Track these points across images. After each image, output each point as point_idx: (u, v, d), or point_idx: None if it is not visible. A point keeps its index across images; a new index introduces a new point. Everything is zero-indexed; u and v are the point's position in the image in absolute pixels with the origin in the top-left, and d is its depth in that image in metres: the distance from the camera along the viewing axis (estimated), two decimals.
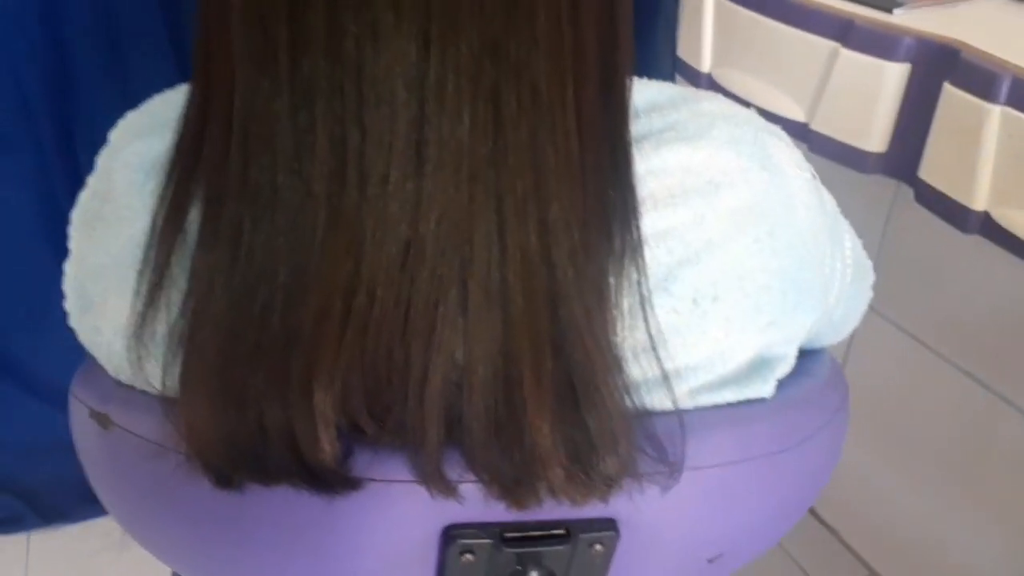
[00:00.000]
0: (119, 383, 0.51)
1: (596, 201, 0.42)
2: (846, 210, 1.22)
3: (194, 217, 0.43)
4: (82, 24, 1.13)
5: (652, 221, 0.44)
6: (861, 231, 1.19)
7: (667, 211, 0.44)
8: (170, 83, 1.13)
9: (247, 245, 0.41)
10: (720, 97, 0.51)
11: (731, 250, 0.45)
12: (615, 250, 0.42)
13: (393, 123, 0.38)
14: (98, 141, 1.18)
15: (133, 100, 1.14)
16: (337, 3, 0.37)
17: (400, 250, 0.39)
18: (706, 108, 0.49)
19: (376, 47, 0.37)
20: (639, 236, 0.43)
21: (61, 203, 1.24)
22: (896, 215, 1.15)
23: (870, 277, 0.64)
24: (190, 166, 0.44)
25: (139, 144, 0.48)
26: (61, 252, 1.32)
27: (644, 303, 0.43)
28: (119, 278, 0.47)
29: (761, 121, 0.51)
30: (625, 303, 0.43)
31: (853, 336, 1.23)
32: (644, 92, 0.49)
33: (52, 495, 1.43)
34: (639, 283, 0.43)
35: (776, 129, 0.52)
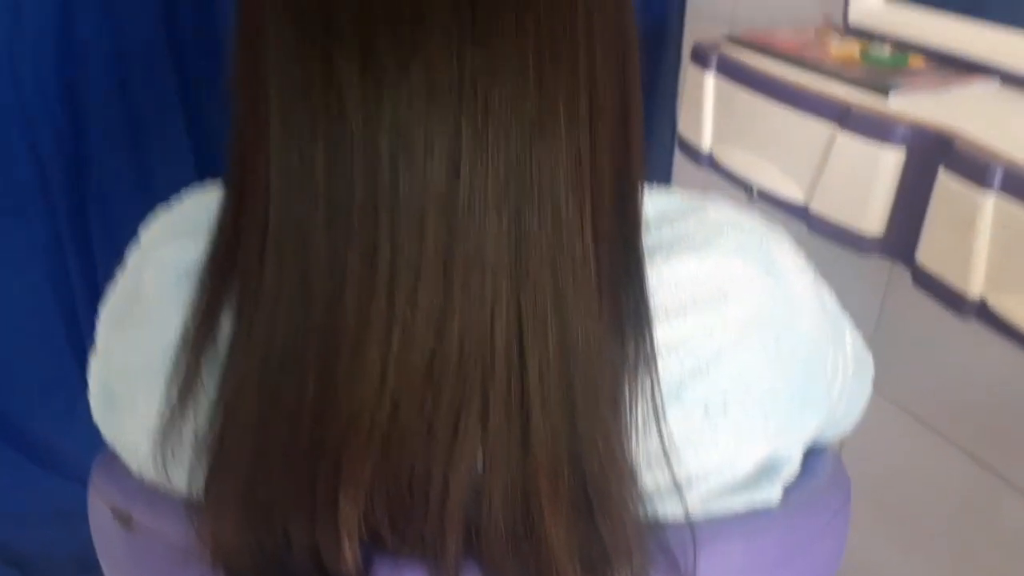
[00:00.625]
0: (142, 481, 0.52)
1: (612, 314, 0.43)
2: (845, 288, 1.24)
3: (225, 325, 0.45)
4: (101, 101, 1.16)
5: (664, 332, 0.45)
6: (859, 309, 1.20)
7: (678, 321, 0.46)
8: (184, 167, 1.16)
9: (278, 356, 0.42)
10: (725, 204, 0.53)
11: (739, 359, 0.47)
12: (630, 361, 0.44)
13: (422, 242, 0.40)
14: (110, 216, 1.21)
15: (146, 178, 1.16)
16: (373, 126, 0.39)
17: (425, 363, 0.41)
18: (712, 217, 0.50)
19: (410, 170, 0.39)
20: (653, 347, 0.44)
21: (71, 276, 1.26)
22: (894, 293, 1.17)
23: (870, 371, 0.65)
24: (223, 274, 0.46)
25: (171, 247, 0.50)
26: (65, 322, 1.33)
27: (657, 413, 0.44)
28: (147, 381, 0.48)
29: (766, 227, 0.53)
30: (639, 413, 0.44)
31: None
32: (654, 202, 0.50)
33: (46, 564, 1.42)
34: (653, 394, 0.44)
35: (779, 233, 0.54)
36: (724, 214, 0.51)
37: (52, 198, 1.20)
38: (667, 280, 0.46)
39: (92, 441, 0.55)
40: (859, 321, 1.21)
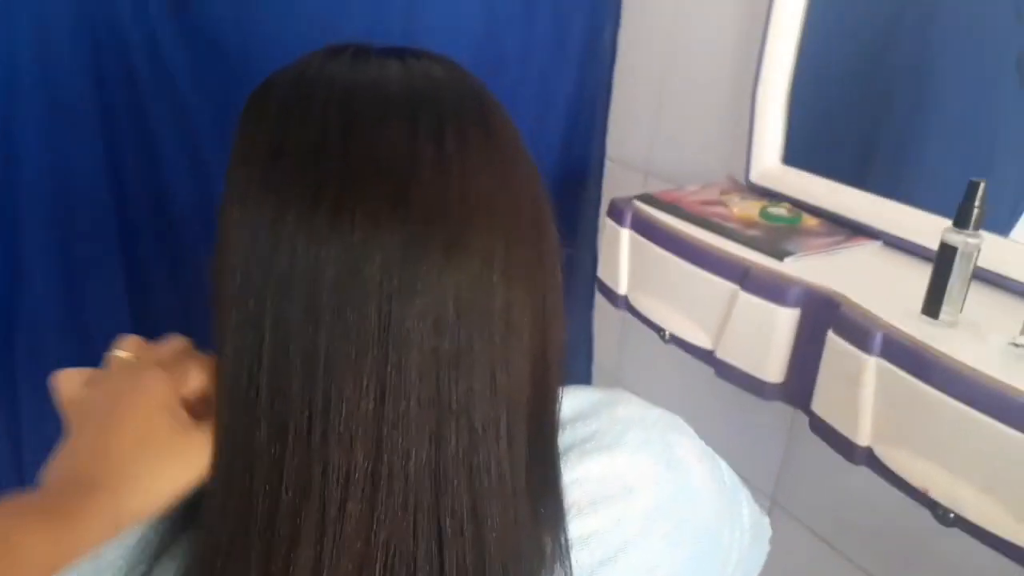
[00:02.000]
0: None
1: (528, 516, 0.49)
2: (754, 422, 1.32)
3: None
4: (36, 218, 1.19)
5: (576, 526, 0.52)
6: (768, 439, 1.28)
7: (590, 517, 0.52)
8: (115, 299, 1.16)
9: (225, 550, 0.47)
10: (633, 399, 0.60)
11: (643, 548, 0.53)
12: (546, 557, 0.50)
13: (351, 458, 0.45)
14: (38, 351, 1.19)
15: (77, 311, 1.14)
16: (310, 375, 0.45)
17: (355, 566, 0.46)
18: (620, 414, 0.57)
19: (341, 400, 0.45)
20: (567, 542, 0.50)
21: None
22: (800, 426, 1.26)
23: (767, 533, 0.72)
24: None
25: None
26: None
27: None
28: None
29: (667, 419, 0.60)
30: None
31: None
32: (568, 402, 0.57)
33: None
34: None
35: (679, 424, 0.61)
36: (631, 411, 0.58)
37: None
38: (580, 479, 0.53)
39: None
40: (769, 449, 1.29)
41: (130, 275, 1.27)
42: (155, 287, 1.31)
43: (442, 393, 0.46)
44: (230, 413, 0.47)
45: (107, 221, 1.24)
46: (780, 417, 1.27)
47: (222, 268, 0.47)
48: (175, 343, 0.60)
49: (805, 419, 1.03)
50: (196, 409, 0.56)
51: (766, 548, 0.73)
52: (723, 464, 0.64)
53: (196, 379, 0.56)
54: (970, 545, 1.02)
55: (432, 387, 0.46)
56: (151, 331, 0.64)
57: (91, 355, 1.22)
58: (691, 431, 0.61)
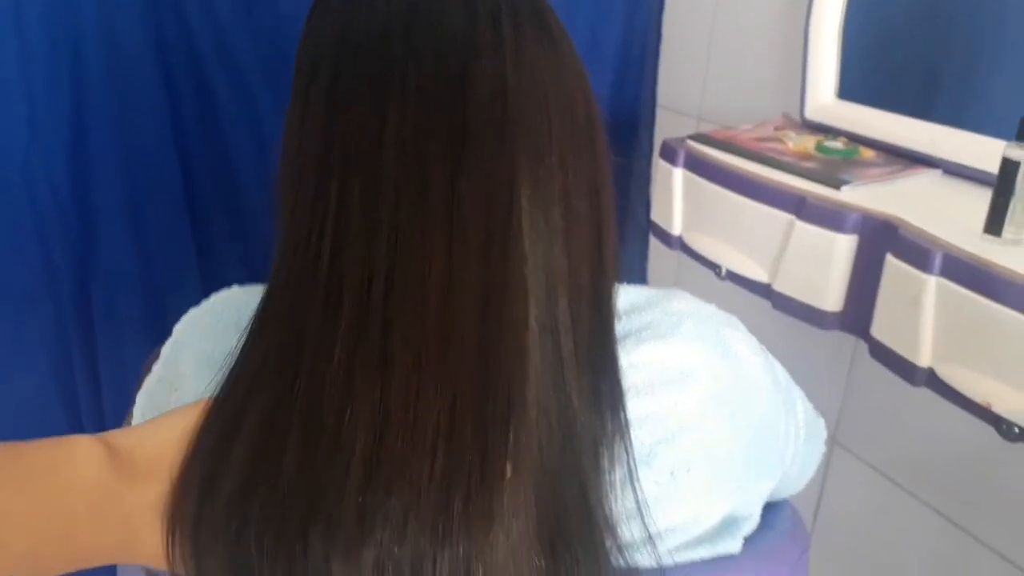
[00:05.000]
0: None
1: (592, 393, 0.51)
2: (814, 358, 1.31)
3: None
4: (110, 206, 1.24)
5: (635, 407, 0.53)
6: (827, 377, 1.28)
7: (647, 399, 0.54)
8: (185, 260, 1.22)
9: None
10: (687, 296, 0.61)
11: (700, 430, 0.54)
12: (607, 433, 0.51)
13: (424, 322, 0.47)
14: (113, 306, 1.25)
15: (149, 270, 1.20)
16: (371, 244, 0.47)
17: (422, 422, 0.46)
18: (675, 307, 0.59)
19: (406, 269, 0.47)
20: (626, 421, 0.52)
21: (73, 362, 1.31)
22: (860, 361, 1.25)
23: (822, 434, 0.73)
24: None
25: (207, 344, 0.57)
26: (67, 410, 1.36)
27: (632, 477, 0.52)
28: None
29: (722, 315, 0.61)
30: (616, 477, 0.51)
31: (827, 474, 1.31)
32: (624, 296, 0.58)
33: None
34: (627, 460, 0.52)
35: (734, 321, 0.62)
36: (685, 305, 0.59)
37: (58, 285, 1.26)
38: (636, 364, 0.54)
39: None
40: (829, 388, 1.29)
41: (198, 240, 1.32)
42: (220, 249, 1.36)
43: (507, 267, 0.47)
44: (285, 284, 0.49)
45: (175, 190, 1.29)
46: (839, 356, 1.26)
47: (289, 157, 0.50)
48: None
49: (864, 359, 1.02)
50: None
51: (821, 448, 0.73)
52: (776, 363, 0.65)
53: None
54: None
55: (497, 261, 0.47)
56: (217, 286, 0.66)
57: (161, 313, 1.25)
58: (744, 327, 0.62)
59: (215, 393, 0.51)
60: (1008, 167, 0.88)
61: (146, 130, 1.24)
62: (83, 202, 1.23)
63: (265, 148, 1.32)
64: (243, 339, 0.52)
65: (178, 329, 0.61)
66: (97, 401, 1.34)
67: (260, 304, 0.52)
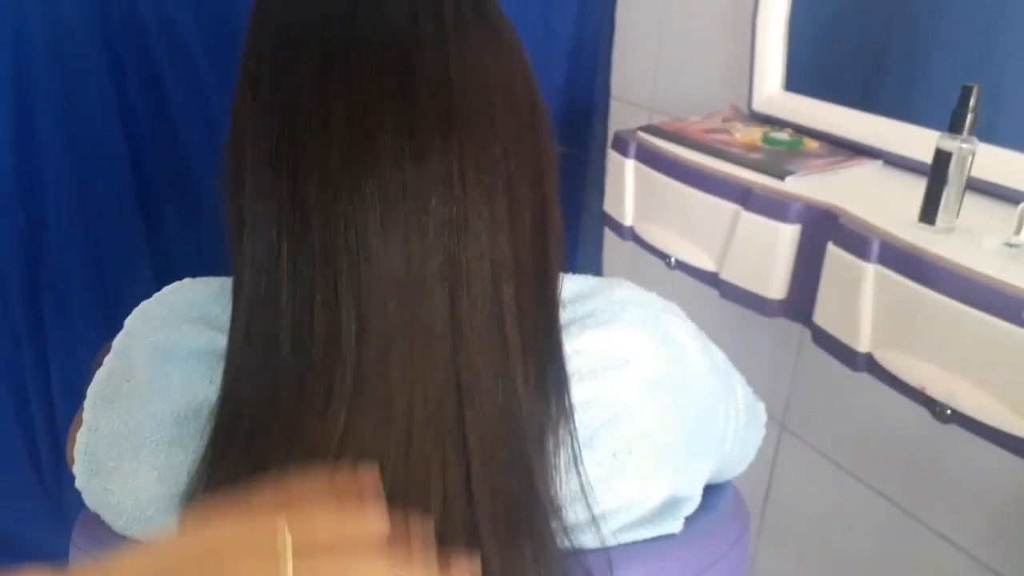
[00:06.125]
0: (123, 537, 0.59)
1: (537, 379, 0.52)
2: (762, 346, 1.34)
3: None
4: (56, 183, 1.22)
5: (579, 392, 0.55)
6: (775, 364, 1.31)
7: (590, 383, 0.55)
8: (137, 253, 1.21)
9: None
10: (629, 284, 0.63)
11: (642, 413, 0.56)
12: (552, 417, 0.53)
13: (381, 314, 0.48)
14: (64, 302, 1.25)
15: (100, 265, 1.20)
16: (332, 227, 0.48)
17: (382, 417, 0.49)
18: (618, 295, 0.60)
19: (367, 260, 0.48)
20: (570, 405, 0.54)
21: (23, 355, 1.30)
22: (806, 348, 1.28)
23: (762, 417, 0.75)
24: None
25: (159, 335, 0.57)
26: (16, 409, 1.34)
27: (576, 460, 0.54)
28: (134, 447, 0.56)
29: (662, 302, 0.63)
30: (561, 459, 0.53)
31: (776, 459, 1.34)
32: (568, 285, 0.60)
33: None
34: (572, 443, 0.54)
35: (674, 307, 0.64)
36: (627, 293, 0.61)
37: (7, 291, 1.24)
38: (580, 350, 0.56)
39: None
40: (776, 374, 1.32)
41: (150, 230, 1.31)
42: (172, 240, 1.35)
43: (454, 256, 0.49)
44: (252, 284, 0.50)
45: (125, 182, 1.28)
46: (786, 343, 1.30)
47: (237, 150, 0.50)
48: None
49: (810, 346, 1.05)
50: None
51: (762, 431, 0.75)
52: (715, 347, 0.67)
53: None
54: (970, 453, 1.06)
55: (447, 249, 0.49)
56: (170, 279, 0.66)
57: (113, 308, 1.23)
58: (683, 314, 0.64)
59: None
60: (941, 157, 0.91)
61: (94, 121, 1.23)
62: (29, 194, 1.21)
63: (216, 138, 1.31)
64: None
65: (130, 321, 0.61)
66: (48, 399, 1.32)
67: (232, 311, 0.53)
